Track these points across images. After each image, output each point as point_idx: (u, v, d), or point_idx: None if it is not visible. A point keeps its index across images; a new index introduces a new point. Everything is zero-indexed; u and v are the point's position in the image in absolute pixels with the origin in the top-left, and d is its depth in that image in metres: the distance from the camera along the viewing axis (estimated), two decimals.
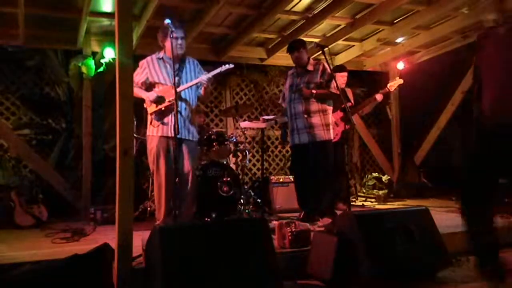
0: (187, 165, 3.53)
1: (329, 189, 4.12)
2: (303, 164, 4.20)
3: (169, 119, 3.53)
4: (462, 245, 3.29)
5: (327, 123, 4.12)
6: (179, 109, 3.46)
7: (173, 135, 3.50)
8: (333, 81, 3.96)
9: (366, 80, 7.40)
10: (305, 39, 5.59)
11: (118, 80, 2.45)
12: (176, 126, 3.12)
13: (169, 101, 3.46)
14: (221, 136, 4.57)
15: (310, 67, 4.20)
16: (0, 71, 5.55)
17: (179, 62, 3.61)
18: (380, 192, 6.19)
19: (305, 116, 4.09)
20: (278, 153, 7.16)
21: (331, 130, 4.16)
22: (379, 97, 5.01)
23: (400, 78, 6.47)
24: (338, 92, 3.85)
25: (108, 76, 5.47)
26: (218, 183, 4.29)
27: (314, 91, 4.05)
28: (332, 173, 4.17)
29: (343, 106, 4.49)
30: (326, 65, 4.11)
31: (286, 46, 5.67)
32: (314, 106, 4.10)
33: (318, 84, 4.10)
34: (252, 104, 6.82)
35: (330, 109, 4.19)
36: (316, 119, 4.08)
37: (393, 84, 5.04)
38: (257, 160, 6.78)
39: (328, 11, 4.94)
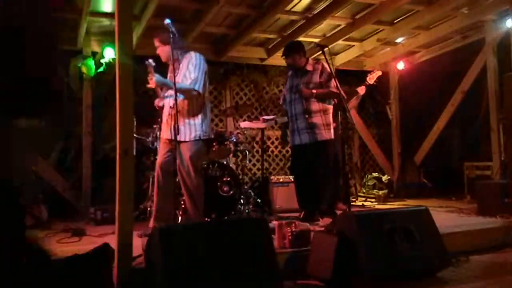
0: (179, 168, 3.49)
1: (329, 188, 4.12)
2: (303, 164, 4.20)
3: (162, 121, 3.70)
4: (462, 245, 3.32)
5: (328, 123, 4.12)
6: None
7: (164, 136, 3.64)
8: (333, 80, 3.96)
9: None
10: (305, 39, 5.62)
11: (118, 80, 2.45)
12: (175, 127, 3.15)
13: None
14: (221, 136, 4.57)
15: (309, 67, 4.19)
16: None
17: (175, 62, 3.59)
18: (380, 192, 6.19)
19: (306, 116, 4.09)
20: (278, 153, 7.15)
21: (332, 130, 4.16)
22: (361, 90, 5.03)
23: (398, 76, 6.45)
24: (338, 91, 3.84)
25: (108, 76, 5.47)
26: (218, 183, 4.29)
27: (314, 91, 4.05)
28: (332, 173, 4.17)
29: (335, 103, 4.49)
30: (326, 65, 4.10)
31: None
32: (315, 106, 4.10)
33: (318, 84, 4.10)
34: (252, 104, 6.81)
35: (330, 108, 4.19)
36: (317, 119, 4.08)
37: (372, 76, 5.02)
38: (257, 160, 6.77)
39: (328, 11, 4.94)
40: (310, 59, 4.32)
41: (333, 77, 3.93)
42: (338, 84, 3.79)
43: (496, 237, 3.61)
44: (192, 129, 3.52)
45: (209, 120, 3.70)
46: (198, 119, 3.55)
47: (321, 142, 4.06)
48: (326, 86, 4.09)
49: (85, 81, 5.45)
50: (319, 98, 4.09)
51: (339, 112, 4.32)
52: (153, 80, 3.36)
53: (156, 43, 3.60)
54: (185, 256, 2.22)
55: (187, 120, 3.52)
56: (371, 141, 7.36)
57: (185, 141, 3.50)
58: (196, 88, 3.46)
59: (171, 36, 3.33)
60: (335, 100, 4.30)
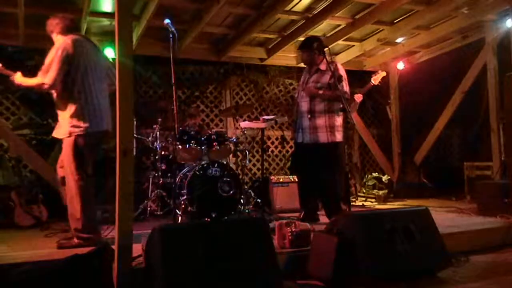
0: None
1: (334, 189, 4.09)
2: (306, 162, 4.17)
3: None
4: (462, 245, 3.32)
5: (332, 125, 4.01)
6: None
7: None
8: (343, 82, 3.93)
9: (366, 80, 7.40)
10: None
11: (118, 80, 2.45)
12: (175, 126, 3.13)
13: None
14: (221, 136, 4.57)
15: (322, 66, 4.10)
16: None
17: None
18: (380, 192, 6.19)
19: (308, 116, 4.05)
20: (278, 153, 7.15)
21: (337, 132, 4.05)
22: (357, 98, 5.03)
23: (399, 76, 6.40)
24: (340, 95, 3.78)
25: None
26: (218, 183, 4.29)
27: (320, 92, 4.00)
28: (337, 174, 4.13)
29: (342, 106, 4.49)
30: (339, 66, 4.07)
31: (286, 46, 5.63)
32: (320, 106, 4.02)
33: (327, 84, 4.03)
34: (252, 104, 6.82)
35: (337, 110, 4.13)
36: (320, 120, 4.00)
37: (377, 77, 4.99)
38: (257, 160, 6.78)
39: (328, 11, 4.94)
40: (325, 58, 4.21)
41: (343, 80, 3.91)
42: (347, 87, 3.77)
43: (496, 237, 3.61)
44: (63, 125, 3.15)
45: (90, 110, 3.17)
46: (68, 113, 3.13)
47: (322, 144, 4.01)
48: (335, 88, 3.95)
49: None
50: (324, 99, 4.03)
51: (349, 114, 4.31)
52: (13, 78, 3.17)
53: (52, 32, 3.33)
54: (185, 256, 2.22)
55: (60, 117, 3.21)
56: (371, 141, 7.36)
57: (62, 139, 3.19)
58: (46, 81, 3.09)
59: (171, 36, 3.28)
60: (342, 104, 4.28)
